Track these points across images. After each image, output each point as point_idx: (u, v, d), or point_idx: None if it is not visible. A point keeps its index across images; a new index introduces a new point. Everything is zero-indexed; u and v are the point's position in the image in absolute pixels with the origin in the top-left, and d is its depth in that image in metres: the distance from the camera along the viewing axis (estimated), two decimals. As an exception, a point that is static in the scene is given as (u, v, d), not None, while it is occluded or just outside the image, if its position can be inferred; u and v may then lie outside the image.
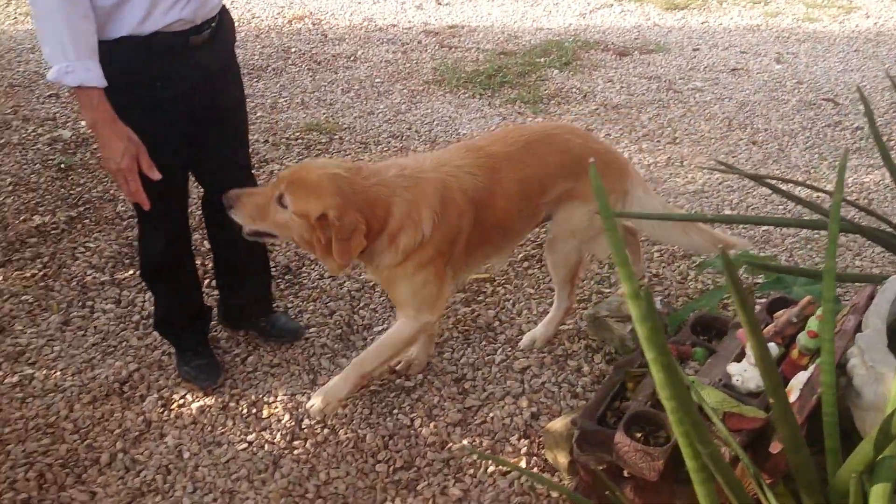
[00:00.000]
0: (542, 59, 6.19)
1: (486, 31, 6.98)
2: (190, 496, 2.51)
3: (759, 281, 3.16)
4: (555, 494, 2.50)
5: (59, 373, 3.01)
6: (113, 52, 2.23)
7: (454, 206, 2.52)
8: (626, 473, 2.21)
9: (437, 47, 6.60)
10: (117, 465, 2.62)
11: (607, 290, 3.46)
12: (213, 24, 2.43)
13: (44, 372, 3.01)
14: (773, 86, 5.83)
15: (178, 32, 2.32)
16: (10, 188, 4.30)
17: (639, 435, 2.12)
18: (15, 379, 2.98)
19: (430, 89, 5.72)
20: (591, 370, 3.00)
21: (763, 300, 2.63)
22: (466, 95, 5.60)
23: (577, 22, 7.20)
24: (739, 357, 2.26)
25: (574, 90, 5.63)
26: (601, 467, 2.28)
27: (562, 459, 2.49)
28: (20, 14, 7.35)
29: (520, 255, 3.70)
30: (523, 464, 2.62)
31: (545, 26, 7.11)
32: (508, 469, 2.58)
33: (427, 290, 2.59)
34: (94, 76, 2.15)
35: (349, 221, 2.32)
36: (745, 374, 2.14)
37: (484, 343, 3.15)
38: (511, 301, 3.40)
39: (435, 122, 5.16)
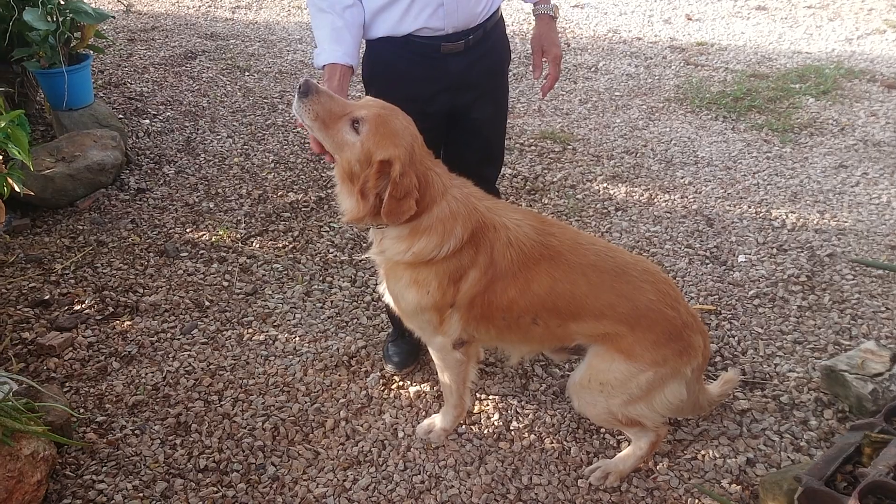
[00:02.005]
0: (798, 86, 5.81)
1: (737, 51, 6.66)
2: (400, 473, 2.66)
3: None
4: (764, 550, 2.36)
5: (298, 338, 3.31)
6: (379, 49, 2.57)
7: (484, 251, 2.33)
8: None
9: (682, 64, 6.41)
10: (339, 432, 2.84)
11: (846, 343, 3.19)
12: (470, 38, 2.57)
13: (285, 335, 3.33)
14: None
15: (429, 37, 2.53)
16: (272, 165, 4.78)
17: (875, 507, 1.96)
18: (262, 337, 3.32)
19: (671, 107, 5.57)
20: (819, 425, 2.79)
21: None
22: (709, 117, 5.39)
23: (842, 48, 6.66)
24: None
25: (830, 122, 5.22)
26: (822, 532, 2.13)
27: (777, 514, 2.35)
28: (293, 7, 8.13)
29: (750, 292, 3.51)
30: (732, 510, 2.50)
31: (804, 50, 6.65)
32: (716, 512, 2.48)
33: (425, 316, 2.45)
34: (332, 56, 2.43)
35: (408, 182, 2.19)
36: None
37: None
38: (736, 338, 3.25)
39: (672, 142, 5.03)
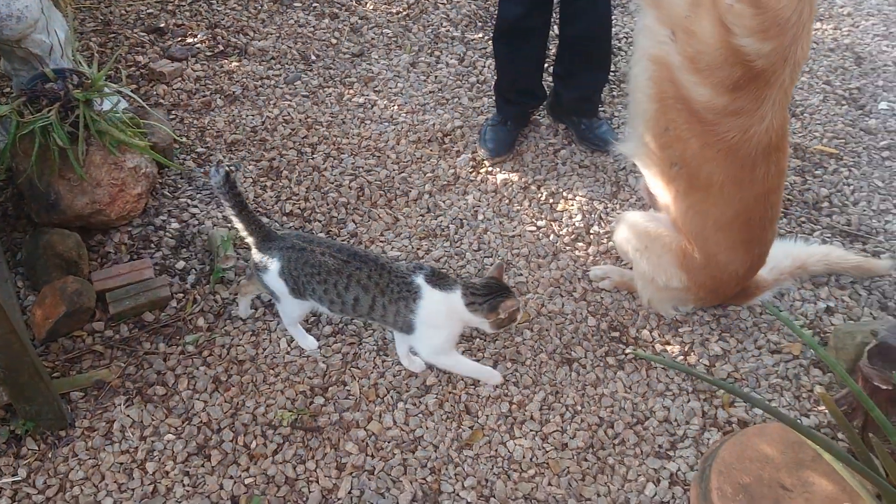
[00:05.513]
0: None
1: None
2: (474, 253, 2.71)
3: None
4: (818, 389, 2.33)
5: (396, 107, 3.28)
6: None
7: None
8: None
9: None
10: (421, 204, 2.87)
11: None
12: None
13: (385, 102, 3.30)
14: None
15: None
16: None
17: (949, 373, 1.87)
18: (361, 100, 3.31)
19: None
20: (916, 291, 2.64)
21: None
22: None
23: None
24: None
25: None
26: (884, 386, 2.08)
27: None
28: None
29: (882, 142, 3.22)
30: (795, 351, 2.45)
31: None
32: (778, 349, 2.44)
33: None
34: None
35: None
36: None
37: (802, 220, 2.88)
38: (851, 187, 3.03)
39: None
